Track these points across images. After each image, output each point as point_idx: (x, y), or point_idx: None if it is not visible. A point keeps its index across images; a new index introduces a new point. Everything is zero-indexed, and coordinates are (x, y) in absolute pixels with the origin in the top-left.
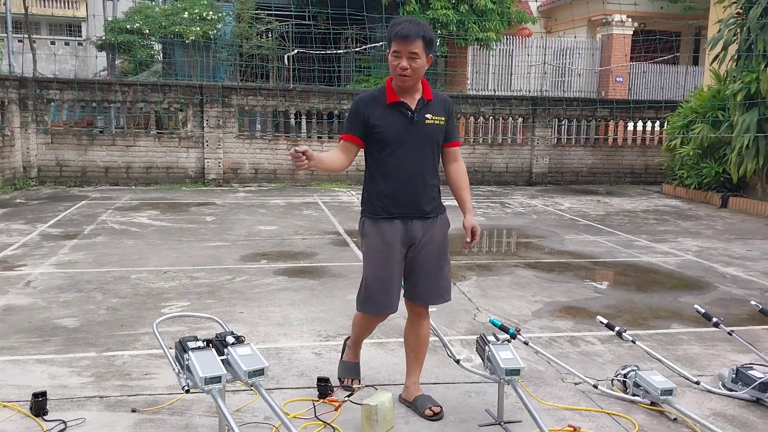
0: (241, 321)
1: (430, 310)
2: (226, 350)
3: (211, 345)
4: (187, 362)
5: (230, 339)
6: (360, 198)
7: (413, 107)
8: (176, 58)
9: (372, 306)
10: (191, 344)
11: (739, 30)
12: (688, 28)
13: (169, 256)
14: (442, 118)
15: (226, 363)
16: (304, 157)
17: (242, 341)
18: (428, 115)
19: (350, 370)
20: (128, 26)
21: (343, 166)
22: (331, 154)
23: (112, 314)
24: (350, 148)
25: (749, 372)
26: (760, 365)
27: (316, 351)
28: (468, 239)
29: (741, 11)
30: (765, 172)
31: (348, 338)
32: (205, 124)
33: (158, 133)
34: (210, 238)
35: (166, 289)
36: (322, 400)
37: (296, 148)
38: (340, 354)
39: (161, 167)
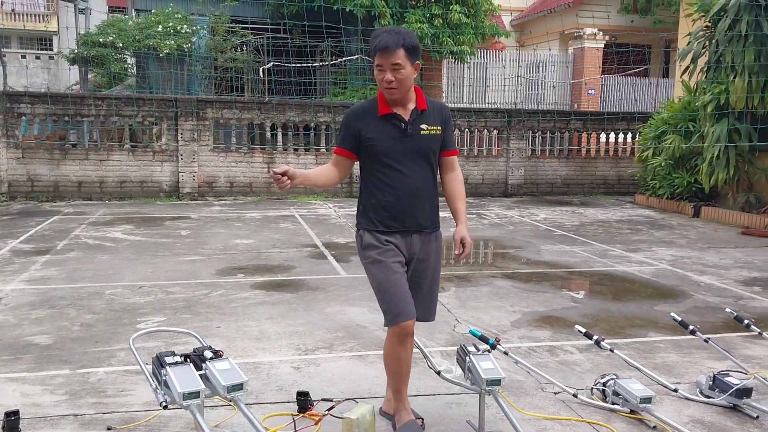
0: (218, 336)
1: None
2: (204, 365)
3: (188, 360)
4: (164, 378)
5: (208, 354)
6: (337, 210)
7: (407, 118)
8: (150, 71)
9: (393, 315)
10: (169, 359)
11: (708, 42)
12: (658, 41)
13: (144, 271)
14: (438, 128)
15: (205, 378)
16: (285, 178)
17: (220, 356)
18: (423, 126)
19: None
20: (101, 40)
21: (335, 180)
22: (322, 168)
23: (86, 330)
24: (343, 162)
25: (726, 379)
26: (737, 372)
27: (295, 365)
28: (457, 251)
29: (709, 24)
30: (736, 182)
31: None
32: (179, 138)
33: (132, 146)
34: (185, 253)
35: (141, 304)
36: (302, 415)
37: (274, 169)
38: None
39: (135, 181)
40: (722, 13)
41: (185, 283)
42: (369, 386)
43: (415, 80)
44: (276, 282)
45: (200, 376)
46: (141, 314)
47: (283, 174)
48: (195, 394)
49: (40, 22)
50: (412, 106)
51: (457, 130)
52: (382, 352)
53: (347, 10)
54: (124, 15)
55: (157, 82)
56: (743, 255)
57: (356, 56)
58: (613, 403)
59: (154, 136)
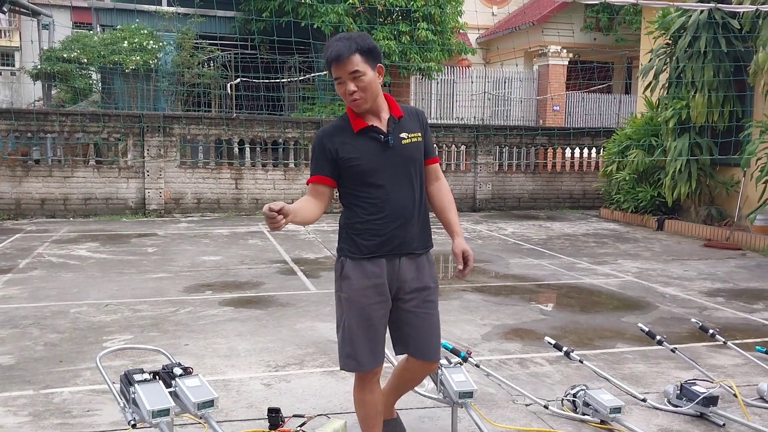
0: (186, 353)
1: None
2: (173, 382)
3: (158, 377)
4: (133, 396)
5: (178, 370)
6: (306, 226)
7: (385, 129)
8: (116, 86)
9: (356, 363)
10: (137, 377)
11: (668, 59)
12: (620, 58)
13: (110, 289)
14: (419, 134)
15: (174, 395)
16: (280, 217)
17: (190, 372)
18: (403, 134)
19: None
20: (65, 55)
21: (318, 215)
22: (303, 203)
23: (50, 350)
24: (322, 191)
25: (693, 388)
26: (703, 381)
27: (266, 382)
28: (460, 266)
29: (670, 42)
30: (698, 195)
31: None
32: (146, 154)
33: (97, 163)
34: (152, 270)
35: (107, 322)
36: (273, 431)
37: (270, 205)
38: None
39: (100, 198)
40: (682, 31)
41: (152, 301)
42: (341, 402)
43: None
44: (245, 298)
45: (170, 393)
46: (107, 333)
47: (279, 211)
48: (165, 412)
49: (2, 37)
50: (386, 115)
51: None
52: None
53: (315, 26)
54: (89, 31)
55: (123, 98)
56: (706, 267)
57: (324, 72)
58: (584, 414)
59: (120, 153)
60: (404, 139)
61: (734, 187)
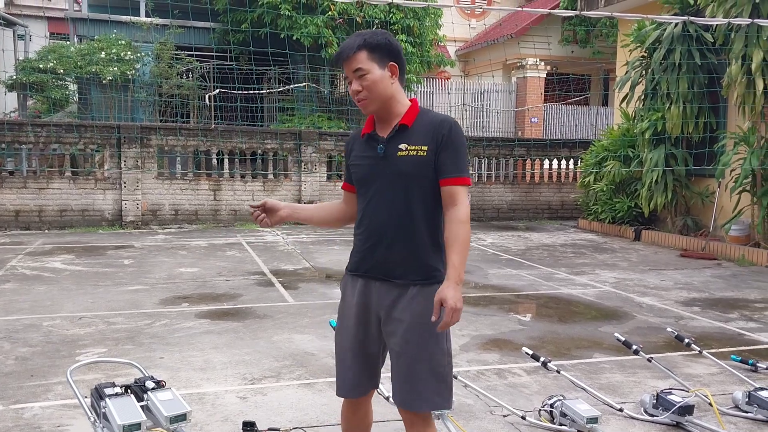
0: (161, 366)
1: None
2: (145, 396)
3: (129, 391)
4: (103, 410)
5: (150, 384)
6: (285, 238)
7: (386, 136)
8: (93, 96)
9: (339, 387)
10: (108, 391)
11: (644, 72)
12: (597, 70)
13: (85, 302)
14: (423, 148)
15: (146, 409)
16: (260, 213)
17: (163, 386)
18: (402, 145)
19: None
20: (41, 66)
21: (336, 217)
22: (325, 204)
23: (21, 364)
24: (345, 196)
25: (669, 397)
26: (679, 390)
27: (241, 395)
28: (433, 317)
29: (645, 54)
30: (674, 206)
31: None
32: (123, 165)
33: (73, 174)
34: (128, 282)
35: (81, 335)
36: None
37: (251, 203)
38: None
39: (76, 210)
40: (657, 44)
41: (128, 313)
42: (317, 415)
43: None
44: (222, 311)
45: (141, 407)
46: (81, 346)
47: (261, 207)
48: (136, 426)
49: None
50: (396, 121)
51: None
52: (331, 379)
53: (294, 38)
54: (66, 41)
55: (100, 109)
56: (682, 276)
57: (303, 84)
58: (561, 424)
59: (97, 164)
60: (401, 150)
61: (709, 197)
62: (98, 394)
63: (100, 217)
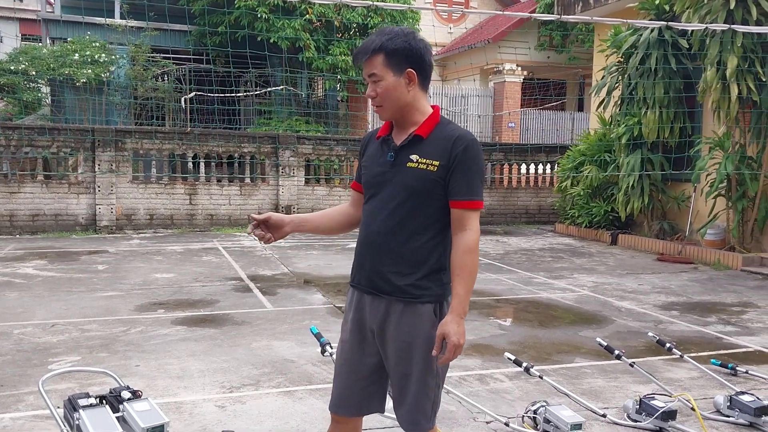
0: (137, 375)
1: None
2: (121, 406)
3: (104, 402)
4: (77, 422)
5: (126, 394)
6: (263, 242)
7: (398, 144)
8: (66, 98)
9: (332, 402)
10: (82, 402)
11: (621, 77)
12: (573, 76)
13: (58, 308)
14: (435, 163)
15: (122, 420)
16: (263, 230)
17: (139, 396)
18: (413, 156)
19: None
20: (12, 67)
21: (343, 222)
22: (326, 210)
23: None
24: (354, 197)
25: (651, 402)
26: (662, 395)
27: (220, 404)
28: (434, 351)
29: (622, 60)
30: (650, 210)
31: None
32: (97, 169)
33: (46, 178)
34: (102, 288)
35: (54, 343)
36: None
37: (253, 215)
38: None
39: (49, 214)
40: (633, 49)
41: (102, 320)
42: (297, 423)
43: (340, 111)
44: (199, 317)
45: (117, 418)
46: (53, 354)
47: (265, 222)
48: None
49: None
50: (413, 129)
51: None
52: (311, 386)
53: (271, 41)
54: (39, 43)
55: (73, 112)
56: (660, 280)
57: (281, 86)
58: (544, 431)
59: (70, 167)
60: (411, 161)
61: (685, 201)
62: (72, 406)
63: (73, 222)
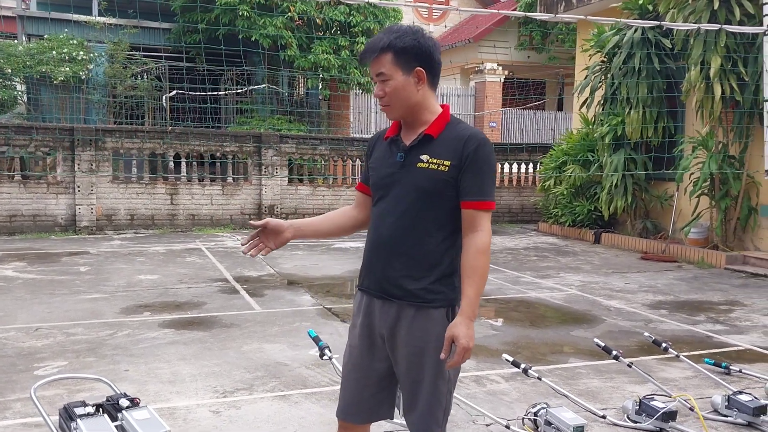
0: (127, 380)
1: None
2: (120, 415)
3: (102, 410)
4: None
5: (124, 402)
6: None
7: (408, 144)
8: (43, 97)
9: (340, 409)
10: (79, 410)
11: (604, 76)
12: (553, 75)
13: (41, 312)
14: (446, 163)
15: (121, 429)
16: (258, 241)
17: (137, 404)
18: (423, 157)
19: None
20: None
21: (348, 224)
22: (333, 213)
23: None
24: (359, 199)
25: (651, 403)
26: (661, 395)
27: (214, 409)
28: (443, 354)
29: (605, 59)
30: (633, 209)
31: None
32: (76, 168)
33: (24, 178)
34: (86, 290)
35: (38, 348)
36: None
37: (252, 221)
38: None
39: (27, 215)
40: (617, 49)
41: (87, 324)
42: (295, 428)
43: (321, 109)
44: (186, 320)
45: (116, 427)
46: (39, 359)
47: (263, 226)
48: None
49: None
50: (422, 129)
51: (358, 160)
52: (306, 390)
53: (252, 39)
54: (14, 40)
55: (51, 110)
56: (646, 279)
57: (263, 85)
58: None
59: (48, 167)
60: (421, 162)
61: (668, 200)
62: (68, 415)
63: (52, 223)
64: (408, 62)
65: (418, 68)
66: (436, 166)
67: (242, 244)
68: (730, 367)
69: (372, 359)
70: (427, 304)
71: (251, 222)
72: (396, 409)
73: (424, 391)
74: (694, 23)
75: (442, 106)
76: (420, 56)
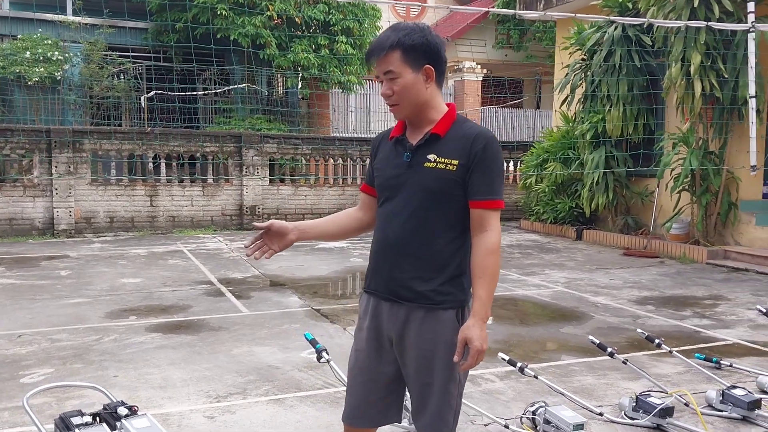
0: (117, 386)
1: None
2: (119, 424)
3: (100, 419)
4: None
5: (123, 410)
6: (229, 244)
7: (414, 144)
8: (16, 98)
9: (346, 414)
10: (76, 420)
11: (584, 74)
12: (531, 74)
13: (23, 318)
14: (454, 162)
15: None
16: (261, 243)
17: (136, 412)
18: (431, 156)
19: None
20: None
21: (353, 226)
22: (337, 215)
23: None
24: (364, 200)
25: (648, 399)
26: (657, 392)
27: (208, 414)
28: (456, 357)
29: (586, 57)
30: (614, 206)
31: None
32: (54, 171)
33: None
34: (68, 295)
35: (23, 355)
36: None
37: (256, 224)
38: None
39: (3, 219)
40: (597, 47)
41: (72, 329)
42: None
43: (301, 108)
44: (173, 323)
45: None
46: (24, 367)
47: (267, 228)
48: None
49: None
50: (429, 128)
51: (349, 159)
52: (301, 393)
53: (231, 38)
54: None
55: (25, 112)
56: (630, 275)
57: (243, 85)
58: None
59: (24, 170)
60: (429, 161)
61: (649, 197)
62: (65, 425)
63: (29, 226)
64: (417, 60)
65: (427, 66)
66: (444, 166)
67: (245, 246)
68: (721, 362)
69: (380, 362)
70: (436, 306)
71: (255, 224)
72: (405, 413)
73: (435, 393)
74: (675, 20)
75: (448, 104)
76: (429, 54)
